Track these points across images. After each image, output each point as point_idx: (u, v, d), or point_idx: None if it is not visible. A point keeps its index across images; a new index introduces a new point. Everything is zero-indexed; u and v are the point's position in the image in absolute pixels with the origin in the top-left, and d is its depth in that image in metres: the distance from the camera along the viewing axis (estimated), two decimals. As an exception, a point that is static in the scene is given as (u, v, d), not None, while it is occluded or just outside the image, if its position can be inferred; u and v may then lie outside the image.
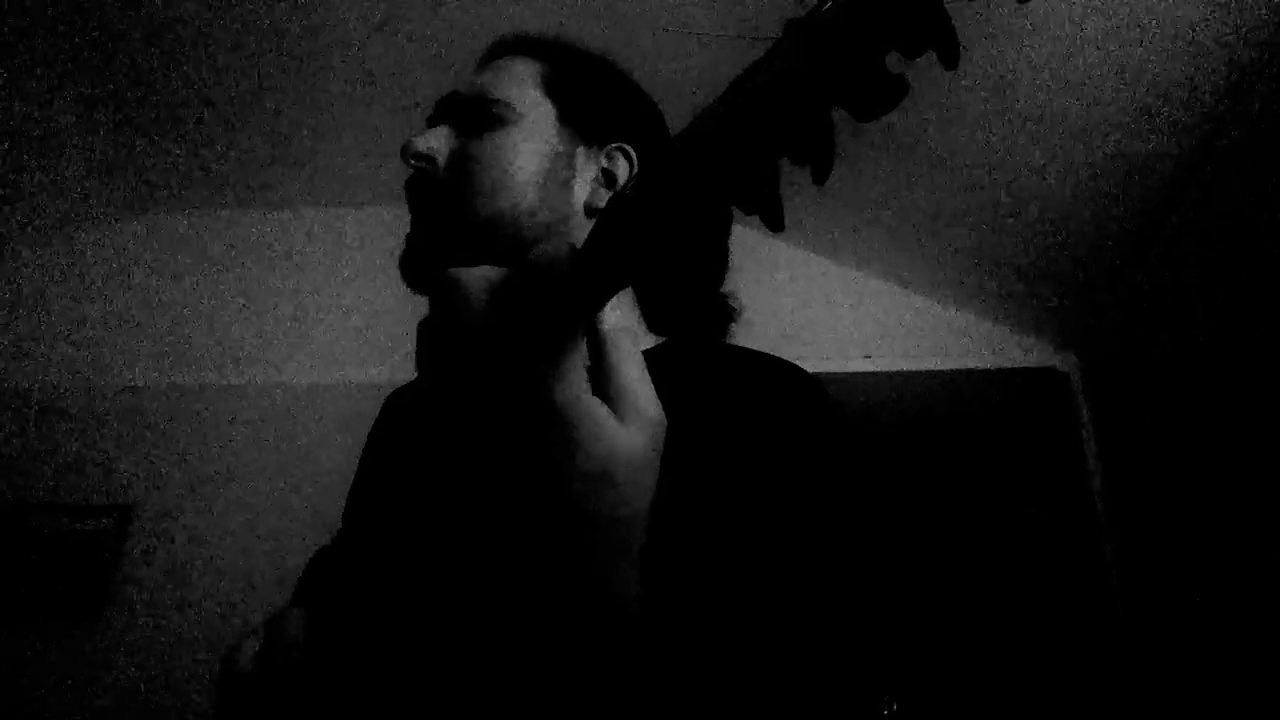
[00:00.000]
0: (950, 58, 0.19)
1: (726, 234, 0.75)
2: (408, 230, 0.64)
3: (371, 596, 0.57)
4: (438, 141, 0.62)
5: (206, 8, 1.66)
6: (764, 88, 0.20)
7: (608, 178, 0.67)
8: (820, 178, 0.21)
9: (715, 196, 0.23)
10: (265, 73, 1.84)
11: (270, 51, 1.78)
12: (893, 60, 0.20)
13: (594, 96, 0.67)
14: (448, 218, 0.60)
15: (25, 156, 1.98)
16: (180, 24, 1.69)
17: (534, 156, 0.62)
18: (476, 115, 0.62)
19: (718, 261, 0.74)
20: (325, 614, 0.56)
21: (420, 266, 0.61)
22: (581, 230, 0.64)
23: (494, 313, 0.32)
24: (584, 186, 0.65)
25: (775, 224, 0.23)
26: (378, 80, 1.86)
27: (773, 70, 0.20)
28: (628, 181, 0.67)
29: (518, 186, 0.60)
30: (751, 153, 0.21)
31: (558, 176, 0.63)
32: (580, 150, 0.65)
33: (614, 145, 0.67)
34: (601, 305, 0.31)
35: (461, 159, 0.61)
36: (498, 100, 0.62)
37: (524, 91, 0.64)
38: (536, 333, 0.31)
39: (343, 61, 1.81)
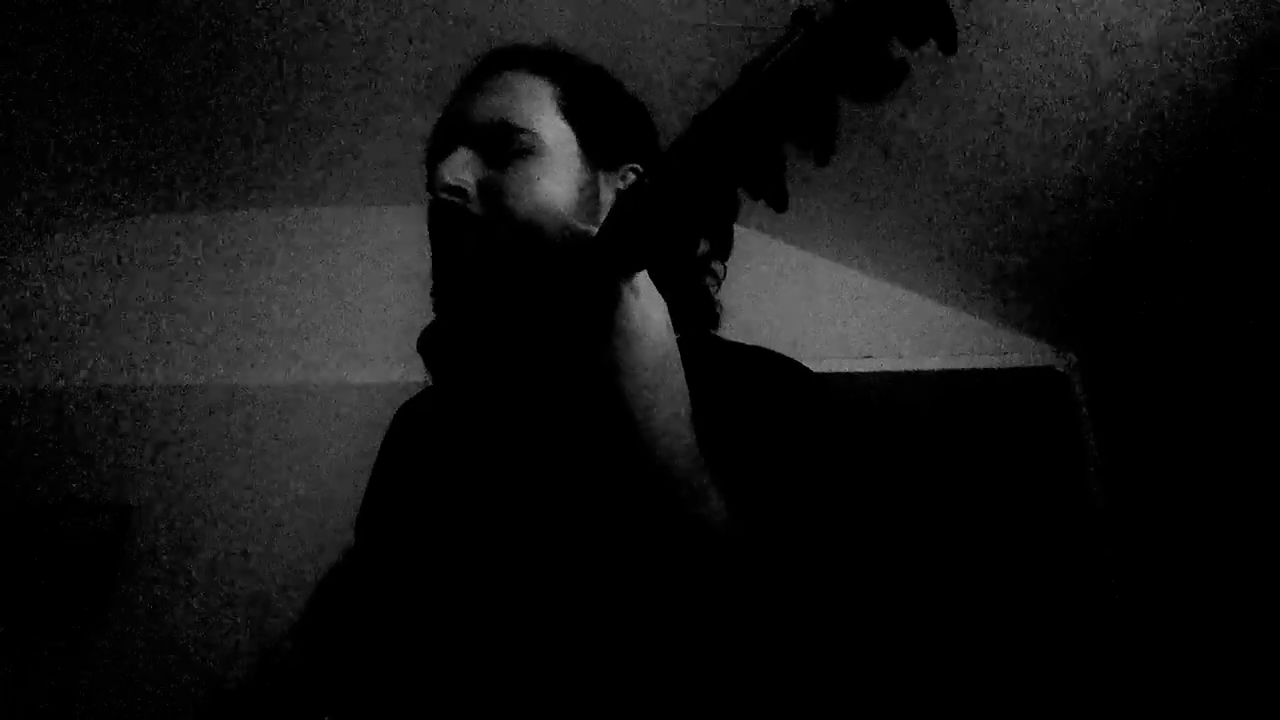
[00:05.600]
0: (949, 43, 0.20)
1: (733, 217, 0.75)
2: (433, 261, 0.62)
3: (420, 621, 0.57)
4: (465, 172, 0.60)
5: (209, 7, 1.66)
6: (772, 75, 0.21)
7: None
8: (823, 159, 0.22)
9: (726, 180, 0.23)
10: (267, 72, 1.84)
11: (272, 51, 1.78)
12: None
13: (607, 119, 0.67)
14: (487, 254, 0.59)
15: (26, 156, 1.98)
16: (181, 24, 1.70)
17: (564, 187, 0.61)
18: (501, 143, 0.61)
19: (724, 245, 0.74)
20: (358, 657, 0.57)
21: (457, 301, 0.60)
22: None
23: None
24: (606, 212, 0.65)
25: (780, 204, 0.24)
26: (379, 80, 1.86)
27: (780, 58, 0.21)
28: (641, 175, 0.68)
29: (554, 221, 0.59)
30: (760, 137, 0.22)
31: (585, 206, 0.62)
32: (600, 175, 0.65)
33: (627, 166, 0.67)
34: (628, 273, 0.34)
35: (493, 192, 0.60)
36: (523, 129, 0.61)
37: (546, 118, 0.63)
38: (574, 298, 0.34)
39: (344, 61, 1.81)
